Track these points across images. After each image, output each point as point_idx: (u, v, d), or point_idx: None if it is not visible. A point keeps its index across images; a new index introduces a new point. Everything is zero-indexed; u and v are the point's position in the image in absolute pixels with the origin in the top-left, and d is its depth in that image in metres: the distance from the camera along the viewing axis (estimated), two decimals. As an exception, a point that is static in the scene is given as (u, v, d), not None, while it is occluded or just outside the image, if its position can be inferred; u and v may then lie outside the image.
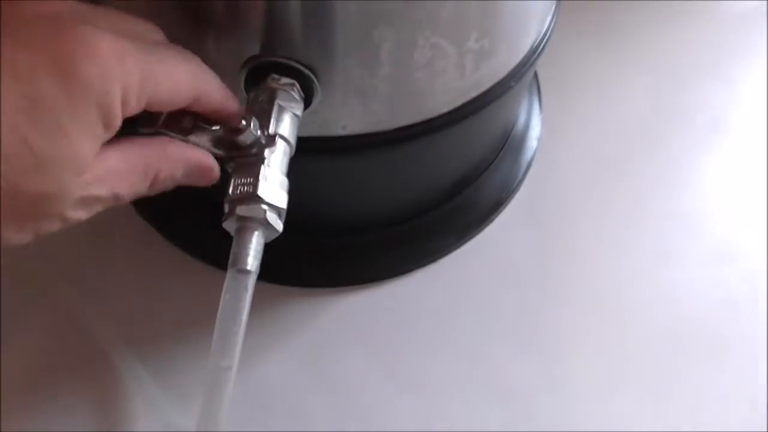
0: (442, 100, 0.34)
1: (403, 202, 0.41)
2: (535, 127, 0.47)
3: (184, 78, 0.25)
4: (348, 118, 0.32)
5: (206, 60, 0.30)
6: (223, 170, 0.28)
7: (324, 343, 0.39)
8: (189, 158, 0.26)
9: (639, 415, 0.38)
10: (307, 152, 0.30)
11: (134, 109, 0.23)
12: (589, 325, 0.41)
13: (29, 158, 0.21)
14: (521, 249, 0.44)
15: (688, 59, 0.53)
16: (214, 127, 0.27)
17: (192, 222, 0.41)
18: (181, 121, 0.26)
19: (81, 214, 0.24)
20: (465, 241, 0.43)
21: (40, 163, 0.21)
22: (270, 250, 0.28)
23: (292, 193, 0.28)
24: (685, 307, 0.42)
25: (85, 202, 0.24)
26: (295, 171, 0.29)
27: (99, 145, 0.23)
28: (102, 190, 0.24)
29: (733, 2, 0.56)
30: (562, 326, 0.41)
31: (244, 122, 0.27)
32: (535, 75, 0.50)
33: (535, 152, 0.47)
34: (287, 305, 0.40)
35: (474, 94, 0.35)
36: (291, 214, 0.28)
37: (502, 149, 0.45)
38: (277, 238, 0.28)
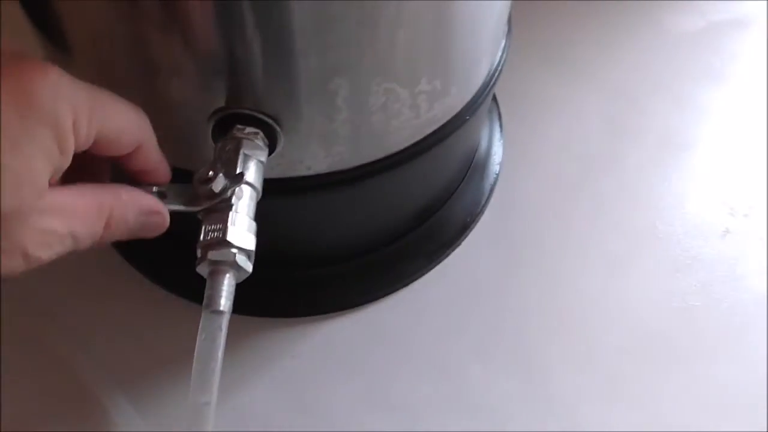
0: (401, 137, 0.36)
1: (372, 232, 0.43)
2: (497, 152, 0.50)
3: (131, 121, 0.27)
4: (312, 159, 0.34)
5: (176, 112, 0.33)
6: (194, 217, 0.30)
7: (303, 370, 0.41)
8: (140, 201, 0.28)
9: (607, 422, 0.40)
10: (275, 193, 0.32)
11: (85, 137, 0.25)
12: (556, 338, 0.43)
13: None
14: (489, 268, 0.46)
15: (638, 78, 0.55)
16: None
17: (171, 260, 0.43)
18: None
19: (42, 253, 0.25)
20: (435, 264, 0.45)
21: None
22: (246, 283, 0.30)
23: (264, 229, 0.30)
24: (644, 317, 0.44)
25: (44, 236, 0.25)
26: (264, 210, 0.31)
27: (54, 167, 0.24)
28: (59, 224, 0.25)
29: (678, 22, 0.59)
30: (530, 340, 0.43)
31: (212, 172, 0.29)
32: (495, 101, 0.52)
33: (498, 176, 0.49)
34: (266, 335, 0.42)
35: (431, 129, 0.37)
36: (265, 250, 0.30)
37: (465, 175, 0.47)
38: (253, 272, 0.30)
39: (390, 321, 0.43)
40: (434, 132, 0.37)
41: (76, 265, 0.44)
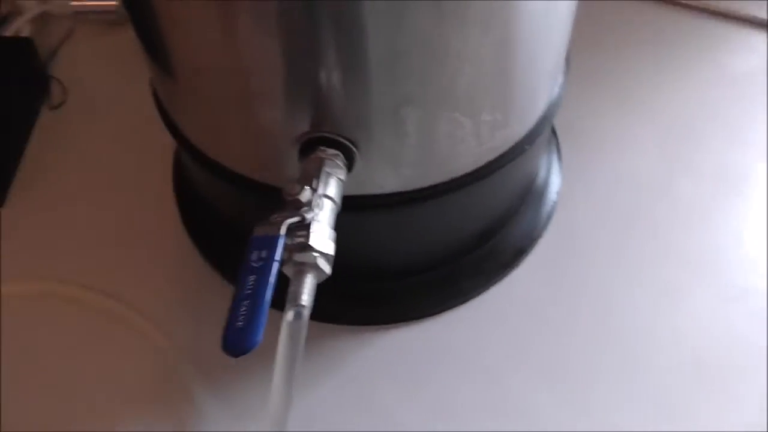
0: (464, 162, 0.40)
1: (434, 250, 0.46)
2: (554, 180, 0.53)
3: None
4: (383, 179, 0.39)
5: (267, 135, 0.38)
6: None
7: (366, 375, 0.45)
8: None
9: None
10: (350, 209, 0.36)
11: None
12: (608, 360, 0.45)
13: None
14: (544, 290, 0.48)
15: (694, 113, 0.57)
16: None
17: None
18: None
19: None
20: (493, 284, 0.48)
21: None
22: (320, 293, 0.34)
23: (338, 244, 0.34)
24: (695, 344, 0.46)
25: None
26: (340, 225, 0.35)
27: None
28: None
29: (736, 59, 0.61)
30: (581, 361, 0.45)
31: (299, 186, 0.34)
32: (554, 131, 0.55)
33: (555, 203, 0.52)
34: (334, 341, 0.46)
35: (492, 157, 0.41)
36: (338, 262, 0.34)
37: (524, 201, 0.50)
38: (326, 283, 0.34)
39: (448, 335, 0.47)
40: (495, 159, 0.41)
41: (167, 263, 0.50)
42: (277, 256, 0.29)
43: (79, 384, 0.45)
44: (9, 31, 0.60)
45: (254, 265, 0.29)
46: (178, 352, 0.46)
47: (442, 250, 0.47)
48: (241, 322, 0.27)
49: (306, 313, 0.31)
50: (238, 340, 0.27)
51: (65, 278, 0.49)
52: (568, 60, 0.45)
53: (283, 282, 0.34)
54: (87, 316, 0.48)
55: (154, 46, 0.39)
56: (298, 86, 0.35)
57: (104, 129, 0.57)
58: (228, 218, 0.48)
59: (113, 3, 0.40)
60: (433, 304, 0.47)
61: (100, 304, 0.48)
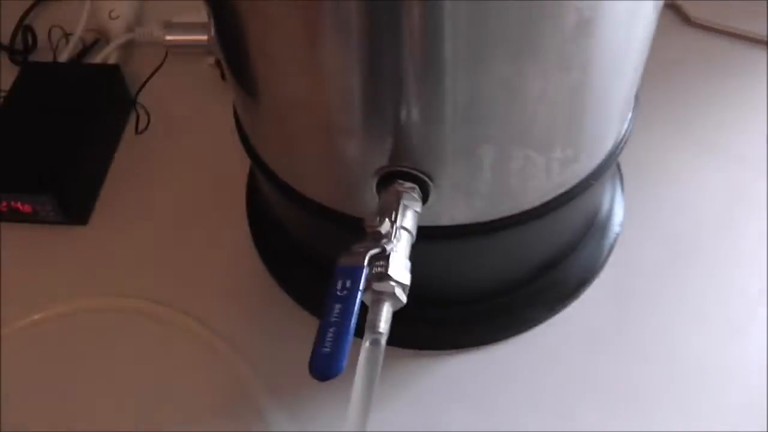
0: (533, 196, 0.41)
1: (499, 279, 0.48)
2: (617, 213, 0.54)
3: None
4: (456, 211, 0.40)
5: (348, 168, 0.39)
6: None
7: (432, 399, 0.46)
8: None
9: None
10: (422, 239, 0.38)
11: None
12: (670, 392, 0.46)
13: None
14: (606, 321, 0.49)
15: (761, 147, 0.57)
16: None
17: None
18: None
19: None
20: (554, 314, 0.49)
21: None
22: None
23: (411, 272, 0.36)
24: (756, 381, 0.46)
25: None
26: (413, 254, 0.37)
27: None
28: None
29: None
30: (642, 390, 0.46)
31: (378, 219, 0.35)
32: (618, 165, 0.56)
33: (618, 235, 0.53)
34: (401, 365, 0.47)
35: (560, 191, 0.42)
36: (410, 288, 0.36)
37: (587, 233, 0.51)
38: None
39: (511, 361, 0.48)
40: (563, 194, 0.42)
41: (243, 289, 0.52)
42: (361, 286, 0.31)
43: (152, 396, 0.48)
44: (98, 58, 0.64)
45: (340, 294, 0.31)
46: (249, 369, 0.48)
47: (506, 278, 0.48)
48: (327, 348, 0.29)
49: (383, 340, 0.33)
50: (326, 366, 0.29)
51: (140, 294, 0.52)
52: (637, 96, 0.46)
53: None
54: (161, 331, 0.50)
55: (243, 77, 0.41)
56: (381, 123, 0.37)
57: (182, 153, 0.60)
58: (299, 241, 0.51)
59: (203, 38, 0.43)
60: (496, 330, 0.48)
61: (174, 320, 0.51)
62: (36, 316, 0.51)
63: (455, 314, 0.48)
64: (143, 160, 0.60)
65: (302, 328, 0.49)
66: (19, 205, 0.54)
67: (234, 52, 0.40)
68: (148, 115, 0.62)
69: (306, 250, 0.51)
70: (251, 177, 0.56)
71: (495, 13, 0.31)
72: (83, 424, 0.47)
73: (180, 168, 0.59)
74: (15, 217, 0.55)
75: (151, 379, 0.48)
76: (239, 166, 0.55)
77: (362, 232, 0.36)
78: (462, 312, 0.48)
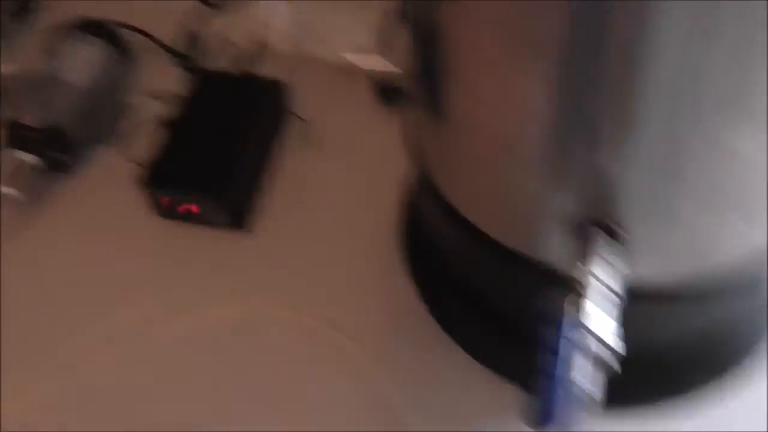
0: (731, 262, 0.40)
1: (666, 342, 0.46)
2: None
3: None
4: (648, 271, 0.39)
5: (539, 213, 0.39)
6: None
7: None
8: None
9: None
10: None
11: None
12: None
13: None
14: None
15: None
16: None
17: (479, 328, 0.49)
18: None
19: None
20: (719, 380, 0.48)
21: None
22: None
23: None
24: None
25: None
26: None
27: None
28: None
29: None
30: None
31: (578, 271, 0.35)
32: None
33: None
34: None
35: (754, 257, 0.40)
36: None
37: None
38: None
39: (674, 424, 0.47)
40: (757, 260, 0.41)
41: (382, 300, 0.53)
42: (582, 344, 0.31)
43: (298, 404, 0.49)
44: (262, 71, 0.66)
45: (561, 346, 0.30)
46: (393, 387, 0.49)
47: (672, 342, 0.47)
48: (545, 398, 0.29)
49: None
50: (543, 415, 0.29)
51: (289, 303, 0.54)
52: None
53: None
54: (308, 343, 0.52)
55: (438, 106, 0.41)
56: (582, 174, 0.36)
57: (337, 169, 0.62)
58: (460, 274, 0.51)
59: (393, 69, 0.44)
60: (659, 392, 0.47)
61: (322, 333, 0.52)
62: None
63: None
64: (300, 174, 0.62)
65: (448, 356, 0.50)
66: (192, 206, 0.56)
67: (435, 87, 0.41)
68: (309, 130, 0.64)
69: (467, 283, 0.51)
70: (409, 197, 0.57)
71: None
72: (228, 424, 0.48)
73: (334, 182, 0.61)
74: (189, 217, 0.58)
75: (296, 388, 0.50)
76: (391, 184, 0.57)
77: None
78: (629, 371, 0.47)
